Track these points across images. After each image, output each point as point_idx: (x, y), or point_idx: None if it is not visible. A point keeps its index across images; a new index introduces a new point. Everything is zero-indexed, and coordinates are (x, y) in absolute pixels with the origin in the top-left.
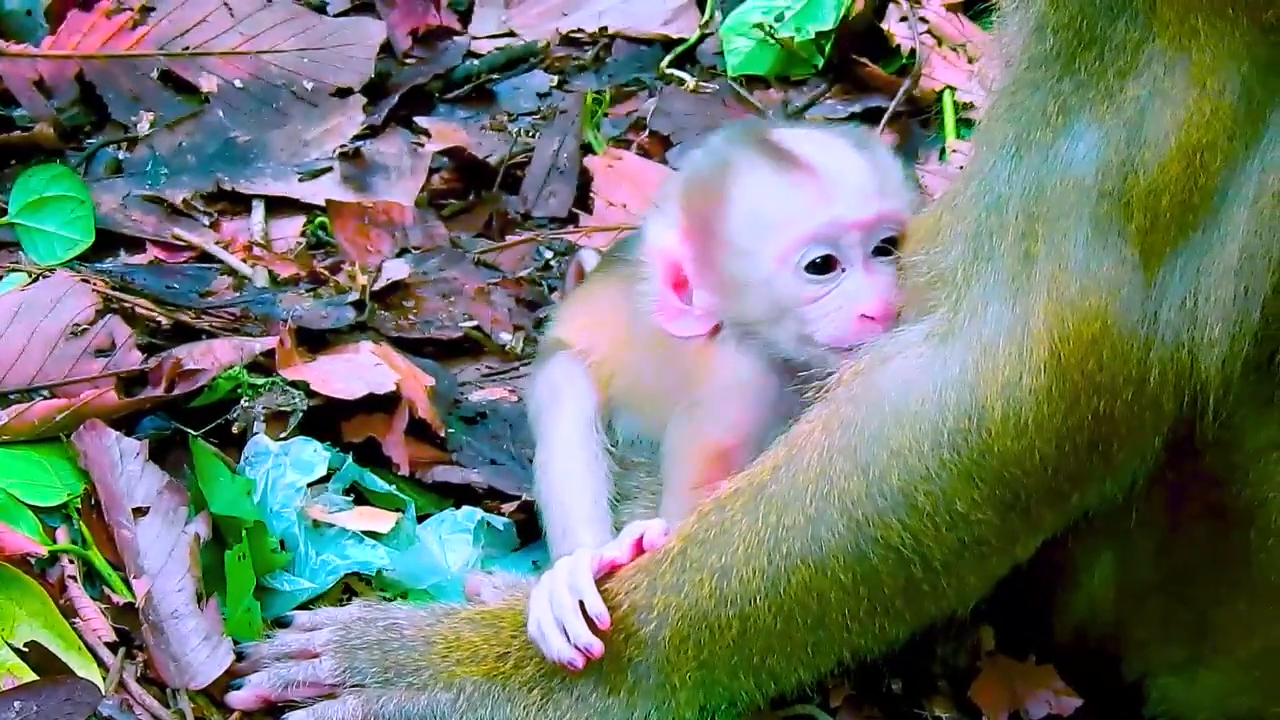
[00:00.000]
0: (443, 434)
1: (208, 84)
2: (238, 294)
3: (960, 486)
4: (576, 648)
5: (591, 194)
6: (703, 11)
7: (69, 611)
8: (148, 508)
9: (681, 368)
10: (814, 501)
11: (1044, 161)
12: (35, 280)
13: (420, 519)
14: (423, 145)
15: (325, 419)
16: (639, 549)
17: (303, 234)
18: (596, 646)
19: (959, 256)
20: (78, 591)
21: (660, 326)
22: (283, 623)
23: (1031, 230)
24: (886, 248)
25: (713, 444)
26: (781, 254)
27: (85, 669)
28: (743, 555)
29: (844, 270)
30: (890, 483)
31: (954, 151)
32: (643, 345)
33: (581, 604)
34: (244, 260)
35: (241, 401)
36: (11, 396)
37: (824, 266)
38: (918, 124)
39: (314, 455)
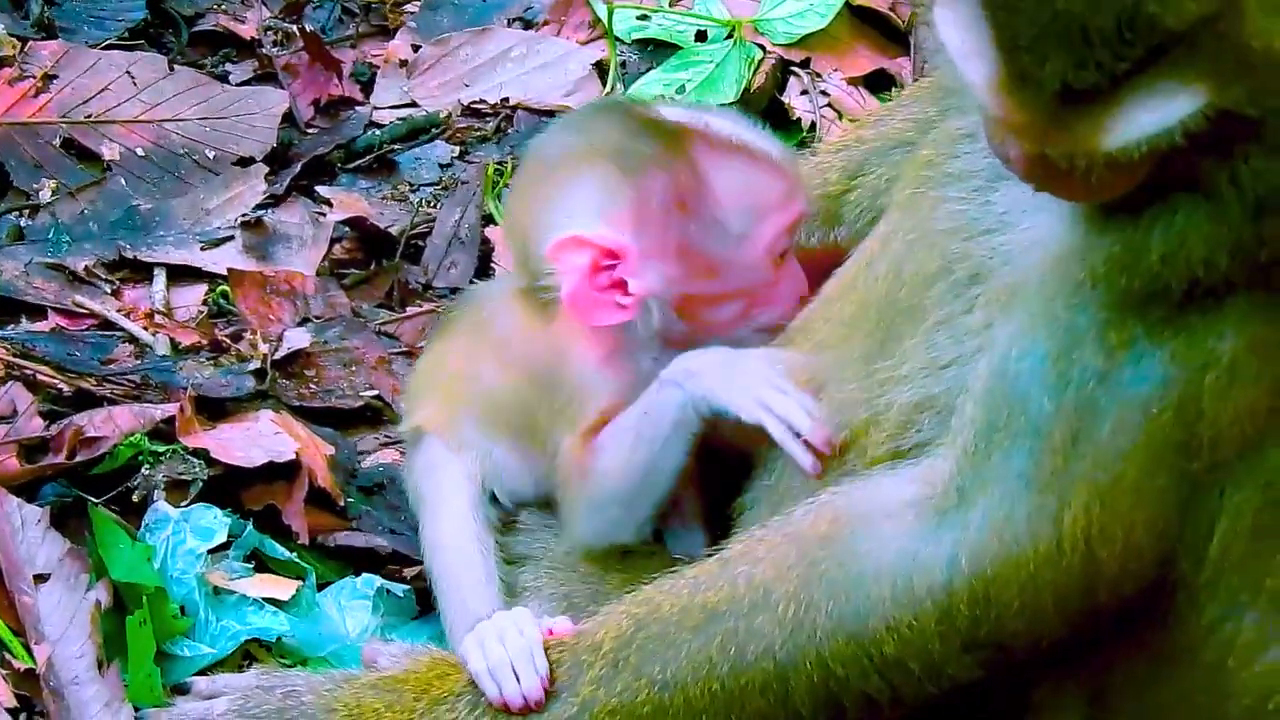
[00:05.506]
0: (342, 503)
1: (110, 152)
2: (139, 362)
3: (957, 655)
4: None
5: (493, 264)
6: (604, 83)
7: None
8: (49, 574)
9: (542, 385)
10: (787, 648)
11: (1098, 382)
12: None
13: (320, 586)
14: (324, 215)
15: (225, 487)
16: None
17: (204, 302)
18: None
19: (968, 442)
20: None
21: (578, 319)
22: (182, 689)
23: (1070, 439)
24: None
25: (589, 426)
26: (771, 242)
27: None
28: (690, 675)
29: (783, 256)
30: (885, 651)
31: None
32: (497, 382)
33: None
34: (145, 328)
35: (142, 469)
36: None
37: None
38: None
39: (214, 522)
